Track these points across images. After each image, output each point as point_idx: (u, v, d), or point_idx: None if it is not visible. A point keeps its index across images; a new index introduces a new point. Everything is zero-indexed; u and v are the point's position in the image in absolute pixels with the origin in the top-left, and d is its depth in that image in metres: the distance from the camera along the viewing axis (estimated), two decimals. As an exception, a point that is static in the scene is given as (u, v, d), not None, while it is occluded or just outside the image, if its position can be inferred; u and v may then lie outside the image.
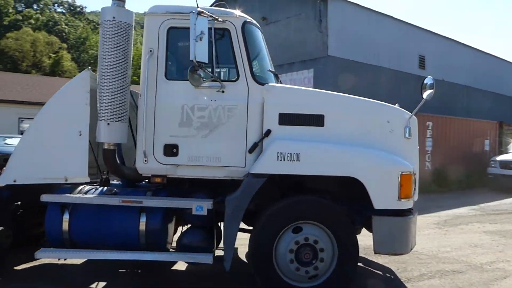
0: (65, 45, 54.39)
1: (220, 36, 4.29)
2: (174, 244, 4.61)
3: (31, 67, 48.23)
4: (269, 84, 4.42)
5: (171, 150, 4.28)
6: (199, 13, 3.83)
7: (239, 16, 4.44)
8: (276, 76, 4.89)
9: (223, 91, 4.27)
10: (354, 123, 4.39)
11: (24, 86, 26.33)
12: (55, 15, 62.78)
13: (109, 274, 5.08)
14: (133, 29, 4.49)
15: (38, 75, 38.92)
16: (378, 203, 4.06)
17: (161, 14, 4.27)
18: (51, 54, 50.88)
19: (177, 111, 4.28)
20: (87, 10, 74.94)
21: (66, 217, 4.36)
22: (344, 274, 4.13)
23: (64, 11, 67.48)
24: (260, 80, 4.38)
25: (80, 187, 4.62)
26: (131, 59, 4.47)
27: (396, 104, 4.79)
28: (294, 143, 4.16)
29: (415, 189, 4.42)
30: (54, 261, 5.24)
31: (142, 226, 4.26)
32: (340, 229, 4.12)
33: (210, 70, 4.04)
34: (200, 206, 4.11)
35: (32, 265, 5.25)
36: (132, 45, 4.52)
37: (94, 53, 61.42)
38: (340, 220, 4.15)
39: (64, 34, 58.93)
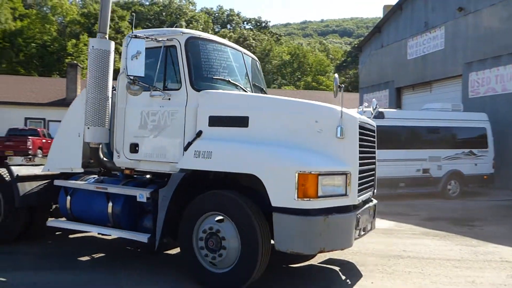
0: (253, 58, 59.82)
1: (172, 51, 4.90)
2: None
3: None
4: (204, 90, 4.79)
5: (134, 148, 5.12)
6: (135, 36, 4.47)
7: (184, 33, 4.98)
8: (234, 84, 5.23)
9: (169, 99, 4.87)
10: (280, 123, 4.47)
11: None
12: (245, 31, 69.89)
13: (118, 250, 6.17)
14: (110, 54, 5.42)
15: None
16: (275, 201, 4.05)
17: (142, 36, 4.67)
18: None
19: (138, 116, 5.10)
20: (271, 24, 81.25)
21: (68, 198, 5.65)
22: (246, 264, 4.14)
23: (251, 27, 74.53)
24: (198, 88, 4.79)
25: (84, 176, 5.78)
26: (110, 77, 5.40)
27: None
28: (208, 142, 4.54)
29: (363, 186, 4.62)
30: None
31: (109, 208, 5.18)
32: (241, 220, 4.16)
33: (147, 82, 4.68)
34: (141, 195, 4.83)
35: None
36: (111, 67, 5.45)
37: (277, 63, 65.91)
38: (241, 212, 4.17)
39: (252, 48, 65.09)
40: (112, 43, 5.59)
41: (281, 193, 4.05)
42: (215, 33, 67.05)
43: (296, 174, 3.97)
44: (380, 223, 7.06)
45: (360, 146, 4.51)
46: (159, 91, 4.90)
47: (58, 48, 46.83)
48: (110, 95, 5.47)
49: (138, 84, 4.58)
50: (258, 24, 75.02)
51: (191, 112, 4.78)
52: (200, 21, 65.61)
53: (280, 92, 37.84)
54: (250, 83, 5.63)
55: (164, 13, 64.29)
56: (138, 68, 4.46)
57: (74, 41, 46.13)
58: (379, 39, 22.88)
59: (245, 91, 5.34)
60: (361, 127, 4.57)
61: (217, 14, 73.46)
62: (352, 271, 5.29)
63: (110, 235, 5.67)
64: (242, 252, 4.17)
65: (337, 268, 5.43)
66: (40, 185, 6.05)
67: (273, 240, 4.18)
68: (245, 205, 4.19)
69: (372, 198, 5.32)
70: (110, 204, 5.20)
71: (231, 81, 5.23)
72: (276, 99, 4.87)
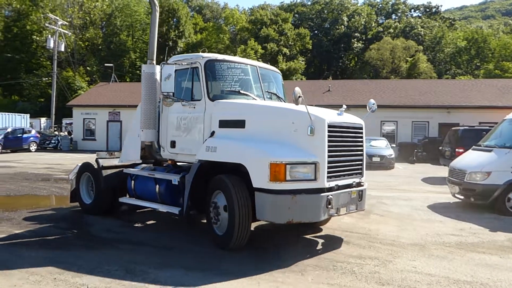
0: (421, 48, 55.09)
1: (196, 71, 6.33)
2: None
3: (390, 73, 51.72)
4: (217, 100, 6.16)
5: (173, 144, 6.72)
6: (166, 64, 6.05)
7: (204, 57, 6.35)
8: (244, 94, 6.46)
9: (194, 107, 6.35)
10: (267, 124, 5.76)
11: (385, 91, 28.32)
12: (411, 20, 64.79)
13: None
14: (157, 75, 6.98)
15: (397, 80, 41.14)
16: (255, 183, 5.33)
17: (171, 62, 6.38)
18: (408, 58, 52.84)
19: (175, 120, 6.69)
20: (442, 8, 73.21)
21: (132, 181, 7.42)
22: (230, 228, 5.46)
23: (419, 14, 68.65)
24: (213, 98, 6.18)
25: (143, 165, 7.59)
26: (157, 92, 6.95)
27: (344, 107, 6.05)
28: (215, 140, 5.94)
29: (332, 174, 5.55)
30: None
31: (157, 189, 6.78)
32: (226, 194, 5.51)
33: (177, 96, 6.32)
34: (175, 179, 6.31)
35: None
36: (158, 84, 6.92)
37: (450, 51, 59.03)
38: (227, 188, 5.50)
39: (420, 37, 59.91)
40: (158, 67, 6.96)
41: (259, 177, 5.27)
42: (379, 25, 63.99)
43: (269, 164, 5.18)
44: None
45: (333, 141, 5.53)
46: (187, 101, 6.45)
47: (230, 55, 51.60)
48: (157, 105, 7.07)
49: (170, 98, 6.21)
50: (428, 10, 68.56)
51: (208, 117, 6.22)
52: (362, 14, 63.54)
53: (454, 83, 33.65)
54: (263, 92, 6.75)
55: (325, 11, 64.44)
56: (169, 86, 6.03)
57: (242, 46, 50.11)
58: None
59: (255, 99, 6.49)
60: (333, 126, 5.55)
61: (380, 5, 69.97)
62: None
63: (158, 210, 7.17)
64: (228, 218, 5.49)
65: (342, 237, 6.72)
66: (117, 172, 7.81)
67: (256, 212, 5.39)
68: (230, 184, 5.50)
69: (360, 183, 6.15)
70: (157, 186, 6.79)
71: (241, 91, 6.48)
72: (264, 106, 6.21)
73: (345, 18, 62.53)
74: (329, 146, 5.44)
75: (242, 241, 5.53)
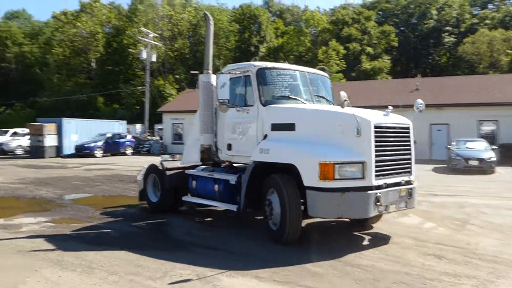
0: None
1: (248, 79, 6.83)
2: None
3: (488, 68, 47.01)
4: (268, 106, 6.60)
5: (229, 147, 7.17)
6: (222, 73, 6.83)
7: (255, 66, 6.90)
8: (294, 98, 6.83)
9: (247, 112, 6.82)
10: (315, 127, 6.11)
11: (482, 88, 25.68)
12: (513, 8, 58.34)
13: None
14: (213, 84, 7.45)
15: (496, 74, 37.22)
16: (306, 182, 5.67)
17: (226, 72, 6.94)
18: (508, 51, 47.59)
19: (230, 125, 7.15)
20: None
21: (193, 181, 7.87)
22: (282, 223, 5.83)
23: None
24: (265, 104, 6.63)
25: (203, 167, 8.01)
26: (214, 100, 7.27)
27: (390, 108, 6.26)
28: (268, 142, 6.40)
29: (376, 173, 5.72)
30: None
31: (216, 188, 7.16)
32: (279, 192, 5.89)
33: (232, 103, 6.72)
34: (232, 179, 6.79)
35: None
36: (214, 92, 7.29)
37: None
38: (279, 186, 5.90)
39: (524, 26, 53.63)
40: (214, 76, 7.61)
41: (310, 176, 5.60)
42: (473, 16, 58.76)
43: (318, 164, 5.48)
44: None
45: (380, 141, 5.72)
46: (241, 107, 6.84)
47: (311, 57, 51.07)
48: (214, 112, 7.52)
49: (226, 104, 6.64)
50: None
51: (260, 121, 6.61)
52: (454, 6, 58.76)
53: None
54: (312, 96, 7.05)
55: (412, 6, 60.80)
56: (224, 94, 6.53)
57: (323, 48, 49.25)
58: None
59: (304, 103, 6.78)
60: (379, 127, 5.75)
61: (476, -5, 64.15)
62: None
63: (217, 207, 7.90)
64: (280, 214, 5.86)
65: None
66: (179, 173, 8.33)
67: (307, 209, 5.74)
68: (281, 182, 5.89)
69: (410, 181, 6.25)
70: (216, 185, 7.22)
71: (290, 96, 6.82)
72: (312, 109, 6.55)
73: (434, 12, 58.30)
74: (376, 146, 5.71)
75: (294, 236, 5.91)
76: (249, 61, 41.95)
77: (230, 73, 6.87)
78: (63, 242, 6.14)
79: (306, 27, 59.81)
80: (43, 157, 25.64)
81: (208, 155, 7.68)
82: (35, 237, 6.42)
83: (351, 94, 28.09)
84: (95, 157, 26.30)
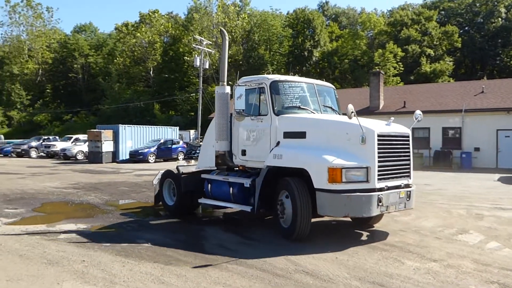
0: None
1: (262, 90, 7.44)
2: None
3: None
4: (281, 115, 7.20)
5: (244, 152, 7.77)
6: (238, 85, 7.37)
7: (269, 78, 7.44)
8: (304, 108, 7.49)
9: (261, 121, 7.40)
10: (325, 135, 6.70)
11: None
12: None
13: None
14: (228, 95, 8.11)
15: None
16: (316, 184, 6.27)
17: (242, 84, 7.62)
18: None
19: (245, 132, 7.73)
20: None
21: (209, 185, 8.31)
22: (293, 222, 6.44)
23: None
24: (278, 113, 7.22)
25: (218, 171, 8.45)
26: (228, 109, 8.06)
27: (392, 118, 6.92)
28: (281, 148, 6.96)
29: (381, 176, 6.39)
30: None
31: (231, 190, 7.79)
32: (291, 193, 6.51)
33: (247, 112, 7.51)
34: (247, 182, 7.36)
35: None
36: (229, 102, 8.10)
37: None
38: (291, 188, 6.51)
39: None
40: (228, 88, 8.16)
41: (319, 179, 6.17)
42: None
43: (327, 168, 6.09)
44: None
45: (382, 148, 6.41)
46: (255, 116, 7.46)
47: (367, 61, 49.40)
48: (229, 120, 8.04)
49: (241, 114, 7.54)
50: None
51: (273, 130, 7.17)
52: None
53: None
54: (320, 106, 7.68)
55: (477, 4, 56.93)
56: (241, 104, 7.25)
57: (380, 51, 47.43)
58: None
59: (313, 113, 7.43)
60: (382, 136, 6.44)
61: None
62: None
63: (232, 208, 8.24)
64: (292, 213, 6.44)
65: None
66: (194, 177, 8.78)
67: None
68: (293, 184, 6.44)
69: (409, 184, 6.90)
70: (231, 188, 7.73)
71: (301, 107, 7.46)
72: (322, 120, 7.09)
73: (503, 10, 54.09)
74: (379, 153, 6.33)
75: (304, 233, 6.52)
76: (302, 66, 41.46)
77: (245, 85, 7.51)
78: (94, 252, 6.03)
79: (362, 30, 58.09)
80: (100, 162, 26.78)
81: (223, 160, 8.25)
82: (69, 245, 6.38)
83: (409, 98, 26.71)
84: (148, 162, 27.03)
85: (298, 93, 7.61)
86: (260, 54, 53.16)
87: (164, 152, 29.21)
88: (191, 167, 9.51)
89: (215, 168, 8.59)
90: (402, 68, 46.32)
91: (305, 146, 6.73)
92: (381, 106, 27.70)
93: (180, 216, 8.82)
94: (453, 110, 24.74)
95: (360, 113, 28.14)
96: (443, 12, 59.01)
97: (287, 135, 7.00)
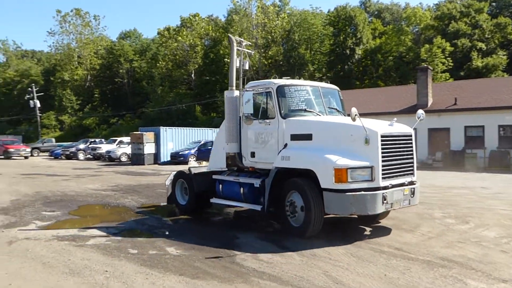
0: None
1: (269, 95, 7.68)
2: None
3: None
4: (288, 118, 7.44)
5: (253, 154, 8.04)
6: (246, 90, 7.76)
7: (275, 83, 7.69)
8: (309, 111, 7.73)
9: (269, 124, 7.66)
10: (330, 137, 6.94)
11: None
12: None
13: None
14: (237, 99, 8.38)
15: None
16: (323, 184, 6.53)
17: (249, 89, 7.90)
18: None
19: (253, 135, 8.01)
20: None
21: (220, 185, 8.69)
22: (307, 221, 6.70)
23: None
24: (285, 116, 7.46)
25: (228, 172, 8.74)
26: (238, 112, 8.30)
27: (394, 119, 7.10)
28: (288, 150, 7.21)
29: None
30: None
31: (241, 190, 8.02)
32: (303, 193, 6.76)
33: (255, 116, 7.78)
34: (257, 182, 7.62)
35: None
36: (238, 106, 8.31)
37: None
38: (302, 189, 6.78)
39: None
40: (237, 92, 8.49)
41: (326, 179, 6.51)
42: None
43: (333, 169, 6.39)
44: None
45: (386, 148, 6.66)
46: (263, 120, 7.71)
47: (413, 57, 47.22)
48: (238, 123, 8.31)
49: (250, 117, 7.80)
50: None
51: (281, 132, 7.43)
52: None
53: None
54: (325, 108, 7.90)
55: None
56: (249, 109, 7.54)
57: (427, 46, 45.15)
58: None
59: (318, 115, 7.67)
60: (385, 136, 6.69)
61: None
62: None
63: (242, 207, 8.70)
64: (304, 213, 6.79)
65: None
66: (206, 178, 9.11)
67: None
68: (305, 185, 6.80)
69: (412, 182, 7.20)
70: (242, 188, 8.01)
71: (307, 109, 7.72)
72: (327, 122, 7.43)
73: None
74: (382, 152, 6.57)
75: (316, 230, 6.79)
76: (344, 65, 40.33)
77: (253, 90, 7.80)
78: (119, 261, 5.67)
79: (407, 25, 55.73)
80: (143, 164, 27.12)
81: (233, 162, 8.50)
82: (95, 253, 6.09)
83: (460, 94, 24.94)
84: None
85: (303, 96, 7.86)
86: (300, 54, 52.25)
87: (204, 153, 28.98)
88: (202, 168, 10.06)
89: (226, 169, 8.81)
90: (451, 64, 43.80)
91: (311, 147, 6.99)
92: (429, 104, 26.12)
93: (208, 221, 8.88)
94: (510, 106, 22.83)
95: (407, 111, 26.87)
96: (494, 3, 55.45)
97: (294, 137, 7.27)
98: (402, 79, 46.17)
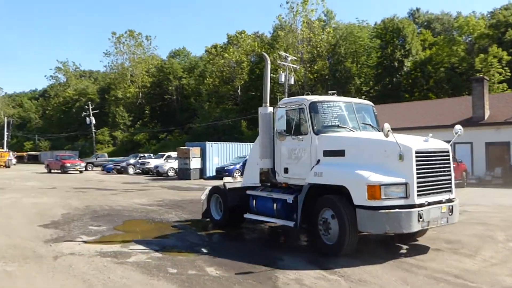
0: None
1: (302, 111, 7.75)
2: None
3: None
4: (321, 134, 7.50)
5: (286, 170, 8.10)
6: (279, 107, 8.09)
7: (308, 100, 7.79)
8: (342, 127, 7.76)
9: (302, 140, 7.71)
10: (363, 153, 6.87)
11: None
12: None
13: None
14: (271, 115, 8.50)
15: None
16: (356, 201, 6.45)
17: (283, 105, 8.14)
18: None
19: (287, 151, 8.07)
20: None
21: (254, 201, 8.81)
22: (341, 239, 6.58)
23: None
24: (317, 133, 7.52)
25: (262, 187, 8.89)
26: (271, 128, 8.44)
27: (430, 135, 7.03)
28: (321, 166, 7.23)
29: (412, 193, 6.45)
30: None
31: (274, 206, 8.10)
32: (337, 211, 6.67)
33: (288, 132, 7.91)
34: (290, 198, 7.67)
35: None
36: (272, 122, 8.47)
37: None
38: (336, 206, 6.69)
39: None
40: (271, 108, 8.58)
41: (359, 196, 6.41)
42: None
43: (366, 185, 6.29)
44: None
45: (421, 164, 6.53)
46: (296, 136, 7.79)
47: (466, 68, 45.02)
48: (272, 139, 8.38)
49: (283, 134, 8.02)
50: None
51: (314, 148, 7.51)
52: None
53: None
54: (358, 124, 7.97)
55: None
56: (282, 125, 7.89)
57: (482, 56, 42.90)
58: None
59: (352, 131, 7.72)
60: (420, 152, 6.58)
61: None
62: None
63: (275, 223, 8.76)
64: (338, 230, 6.66)
65: None
66: (240, 193, 9.20)
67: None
68: (338, 202, 6.72)
69: (451, 199, 6.98)
70: (275, 204, 8.06)
71: (340, 125, 7.78)
72: (360, 138, 7.38)
73: None
74: (417, 169, 6.44)
75: (351, 248, 6.67)
76: (393, 77, 39.32)
77: (286, 106, 7.99)
78: (157, 281, 5.64)
79: (459, 35, 53.36)
80: (189, 178, 27.55)
81: (267, 177, 8.64)
82: (135, 271, 6.12)
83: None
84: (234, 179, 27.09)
85: (336, 112, 7.87)
86: (346, 67, 51.46)
87: (249, 169, 29.14)
88: (237, 183, 10.15)
89: (260, 184, 8.92)
90: (509, 74, 41.30)
91: (344, 164, 6.94)
92: (486, 116, 24.63)
93: (243, 237, 8.89)
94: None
95: (462, 124, 25.45)
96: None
97: (327, 153, 7.28)
98: (454, 91, 44.08)
